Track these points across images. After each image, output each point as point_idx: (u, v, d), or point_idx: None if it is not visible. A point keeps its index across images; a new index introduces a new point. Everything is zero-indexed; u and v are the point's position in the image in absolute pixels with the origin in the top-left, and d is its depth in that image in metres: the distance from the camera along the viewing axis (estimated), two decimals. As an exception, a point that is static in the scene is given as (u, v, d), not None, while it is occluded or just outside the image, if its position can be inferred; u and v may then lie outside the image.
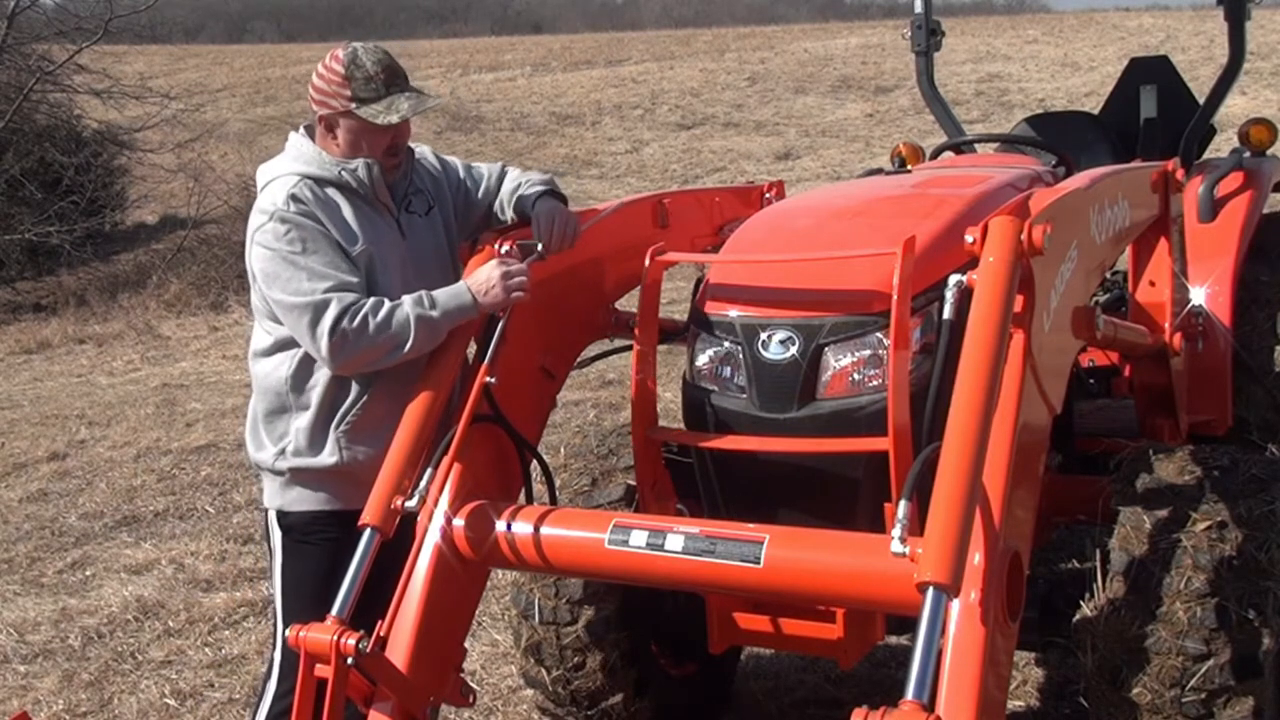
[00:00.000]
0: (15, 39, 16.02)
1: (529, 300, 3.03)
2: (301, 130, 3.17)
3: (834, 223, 3.26)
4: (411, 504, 2.75)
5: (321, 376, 3.06)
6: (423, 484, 2.77)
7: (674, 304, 6.37)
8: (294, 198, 2.99)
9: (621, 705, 3.72)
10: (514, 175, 3.38)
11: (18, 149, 15.19)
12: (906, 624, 2.30)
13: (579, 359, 3.51)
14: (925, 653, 2.06)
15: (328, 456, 3.07)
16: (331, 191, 3.05)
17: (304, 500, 3.14)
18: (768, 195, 4.34)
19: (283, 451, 3.11)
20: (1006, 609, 2.35)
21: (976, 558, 2.27)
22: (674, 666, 3.91)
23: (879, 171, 4.88)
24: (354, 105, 3.01)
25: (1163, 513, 2.96)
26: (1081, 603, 2.91)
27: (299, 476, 3.12)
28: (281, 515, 3.19)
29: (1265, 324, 4.45)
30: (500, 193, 3.34)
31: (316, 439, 3.07)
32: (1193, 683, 2.74)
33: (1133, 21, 28.52)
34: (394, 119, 3.02)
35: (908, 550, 2.23)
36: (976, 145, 5.09)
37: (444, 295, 2.95)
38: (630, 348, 3.15)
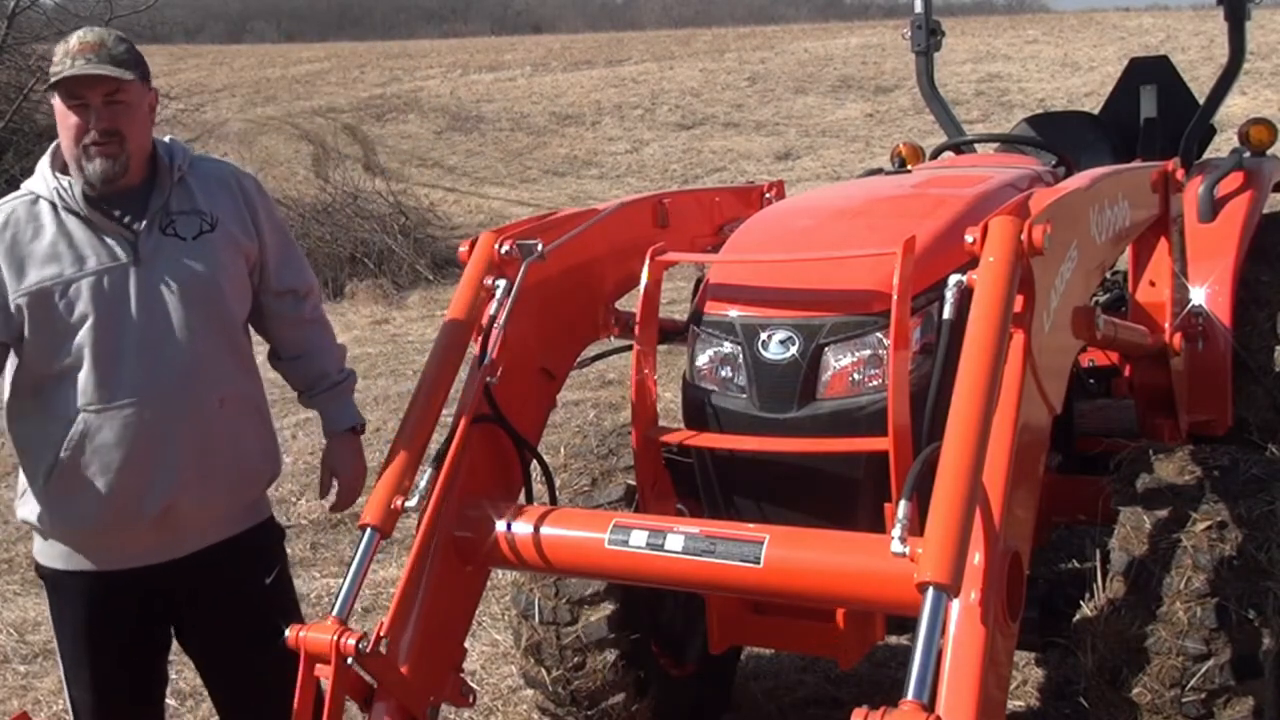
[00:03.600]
0: (15, 39, 16.02)
1: (532, 300, 3.03)
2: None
3: (834, 223, 3.26)
4: (411, 504, 2.75)
5: (23, 422, 2.80)
6: (422, 484, 2.77)
7: (674, 304, 6.37)
8: None
9: (622, 705, 3.72)
10: (319, 344, 3.11)
11: (18, 149, 15.19)
12: (906, 624, 2.30)
13: (579, 359, 3.50)
14: (925, 653, 2.06)
15: (43, 515, 2.81)
16: (45, 211, 2.75)
17: (47, 555, 2.91)
18: (768, 195, 4.34)
19: (23, 497, 2.87)
20: (1006, 609, 2.34)
21: (976, 558, 2.27)
22: (674, 666, 3.91)
23: (879, 171, 4.87)
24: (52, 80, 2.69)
25: (1163, 513, 2.96)
26: (1081, 603, 2.91)
27: (37, 530, 2.88)
28: (37, 565, 2.96)
29: (1265, 324, 4.45)
30: (282, 329, 3.05)
31: (34, 493, 2.82)
32: (1193, 683, 2.73)
33: (1133, 21, 28.55)
34: (56, 75, 2.66)
35: (908, 550, 2.23)
36: (976, 145, 5.10)
37: None
38: (630, 348, 3.14)
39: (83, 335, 2.71)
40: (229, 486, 2.93)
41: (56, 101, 2.72)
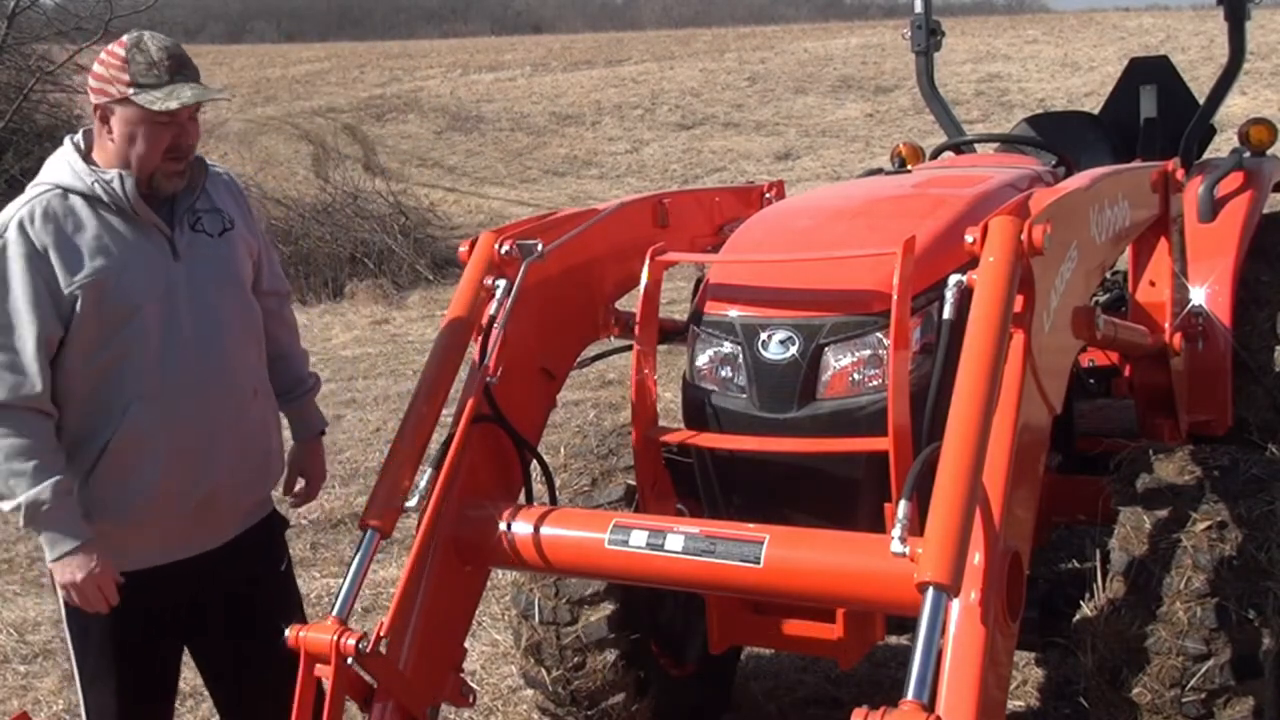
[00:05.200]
0: (15, 39, 16.02)
1: (532, 300, 3.03)
2: (80, 135, 2.84)
3: (834, 223, 3.26)
4: (411, 504, 2.75)
5: (65, 418, 2.74)
6: (422, 484, 2.77)
7: (674, 304, 6.37)
8: (27, 219, 2.68)
9: (621, 705, 3.72)
10: (293, 350, 3.17)
11: (18, 149, 15.18)
12: (906, 624, 2.30)
13: (579, 359, 3.51)
14: (925, 653, 2.06)
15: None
16: (80, 205, 2.72)
17: None
18: (768, 195, 4.34)
19: None
20: (1006, 609, 2.34)
21: (976, 558, 2.27)
22: (674, 666, 3.91)
23: (879, 171, 4.88)
24: (132, 91, 2.67)
25: (1163, 513, 2.96)
26: (1081, 603, 2.91)
27: None
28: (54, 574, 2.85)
29: (1265, 324, 4.45)
30: (266, 330, 3.04)
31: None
32: (1193, 683, 2.74)
33: (1133, 21, 28.58)
34: (173, 105, 2.67)
35: (908, 550, 2.23)
36: (976, 145, 5.09)
37: (67, 516, 2.64)
38: (630, 348, 3.15)
39: (133, 326, 2.73)
40: (256, 478, 3.00)
41: (132, 111, 2.69)
